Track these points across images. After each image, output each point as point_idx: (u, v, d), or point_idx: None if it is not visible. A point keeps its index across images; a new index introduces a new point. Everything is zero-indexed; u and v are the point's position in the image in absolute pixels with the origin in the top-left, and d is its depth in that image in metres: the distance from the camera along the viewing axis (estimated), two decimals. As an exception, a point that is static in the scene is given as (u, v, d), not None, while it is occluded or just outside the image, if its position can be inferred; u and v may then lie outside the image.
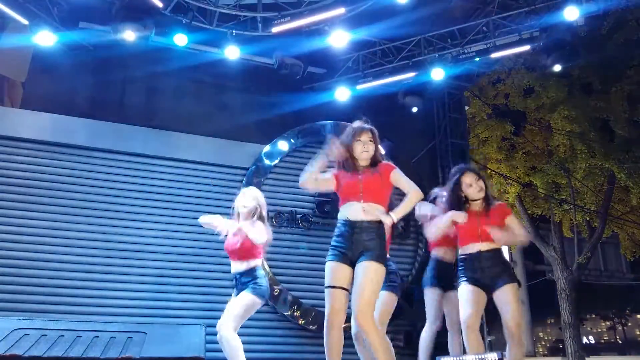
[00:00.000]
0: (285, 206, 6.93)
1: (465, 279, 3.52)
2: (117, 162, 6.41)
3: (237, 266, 3.91)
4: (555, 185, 11.73)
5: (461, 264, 3.59)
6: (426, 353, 4.01)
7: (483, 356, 2.73)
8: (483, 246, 3.51)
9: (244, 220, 3.94)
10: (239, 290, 3.86)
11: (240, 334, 5.46)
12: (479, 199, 3.60)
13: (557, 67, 6.78)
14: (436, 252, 4.19)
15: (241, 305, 3.78)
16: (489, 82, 11.45)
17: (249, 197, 4.03)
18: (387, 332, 3.67)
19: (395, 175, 3.19)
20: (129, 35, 5.86)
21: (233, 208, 4.05)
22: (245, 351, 5.30)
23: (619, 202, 12.08)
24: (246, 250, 3.91)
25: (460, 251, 3.64)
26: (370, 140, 3.25)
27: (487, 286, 3.46)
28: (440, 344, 4.08)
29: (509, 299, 3.39)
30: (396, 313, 3.95)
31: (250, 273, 3.88)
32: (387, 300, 3.78)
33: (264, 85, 7.20)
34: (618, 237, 13.15)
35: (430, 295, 4.12)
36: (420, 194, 3.16)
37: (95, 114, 6.45)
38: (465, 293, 3.48)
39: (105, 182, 6.29)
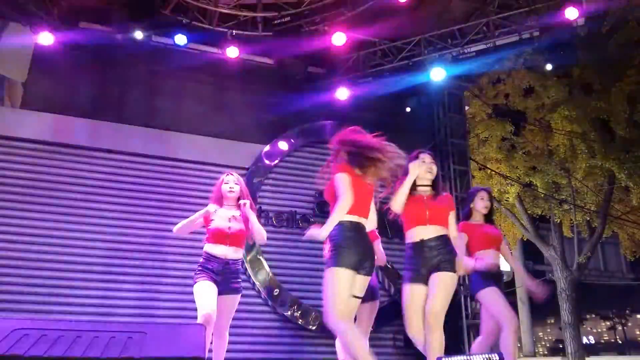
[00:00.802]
0: (285, 206, 6.93)
1: None
2: (117, 162, 6.41)
3: (226, 252, 3.88)
4: (555, 185, 11.74)
5: None
6: None
7: (488, 356, 2.73)
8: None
9: (238, 208, 4.02)
10: (228, 281, 3.84)
11: (239, 334, 5.48)
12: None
13: (555, 67, 6.79)
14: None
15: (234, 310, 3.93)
16: (489, 82, 11.45)
17: (233, 182, 4.08)
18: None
19: (334, 182, 3.17)
20: (137, 34, 5.87)
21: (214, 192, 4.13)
22: (245, 351, 5.32)
23: (619, 202, 12.09)
24: (242, 238, 3.97)
25: None
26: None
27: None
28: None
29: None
30: (397, 314, 3.96)
31: (240, 264, 3.97)
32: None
33: (264, 85, 7.19)
34: (618, 237, 13.16)
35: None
36: (344, 205, 3.02)
37: (95, 114, 6.44)
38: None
39: (105, 182, 6.29)
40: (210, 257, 3.85)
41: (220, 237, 3.87)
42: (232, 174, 4.15)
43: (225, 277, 3.82)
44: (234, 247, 3.89)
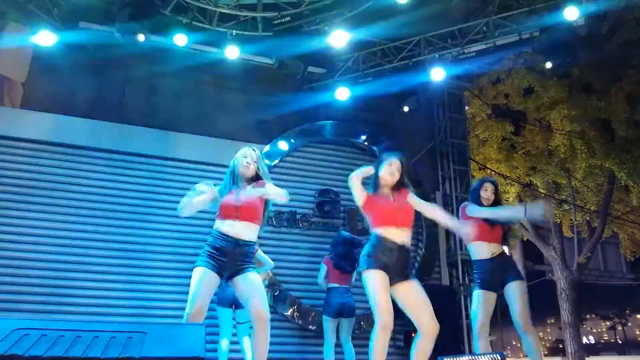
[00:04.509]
0: (285, 206, 6.91)
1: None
2: (117, 162, 6.41)
3: (238, 229, 3.37)
4: (555, 185, 11.73)
5: None
6: None
7: (491, 356, 2.73)
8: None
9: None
10: (242, 262, 3.31)
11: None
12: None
13: (555, 67, 6.77)
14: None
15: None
16: (489, 82, 11.44)
17: (251, 160, 3.68)
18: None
19: None
20: (140, 37, 5.87)
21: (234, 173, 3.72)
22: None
23: (619, 202, 12.09)
24: (255, 211, 3.41)
25: None
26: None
27: None
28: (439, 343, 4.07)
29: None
30: (397, 313, 3.95)
31: (252, 245, 3.42)
32: None
33: (264, 85, 7.19)
34: (618, 237, 13.16)
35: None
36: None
37: (95, 114, 6.45)
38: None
39: (105, 182, 6.29)
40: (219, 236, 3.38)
41: (230, 211, 3.44)
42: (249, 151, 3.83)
43: (237, 255, 3.37)
44: (246, 222, 3.41)
